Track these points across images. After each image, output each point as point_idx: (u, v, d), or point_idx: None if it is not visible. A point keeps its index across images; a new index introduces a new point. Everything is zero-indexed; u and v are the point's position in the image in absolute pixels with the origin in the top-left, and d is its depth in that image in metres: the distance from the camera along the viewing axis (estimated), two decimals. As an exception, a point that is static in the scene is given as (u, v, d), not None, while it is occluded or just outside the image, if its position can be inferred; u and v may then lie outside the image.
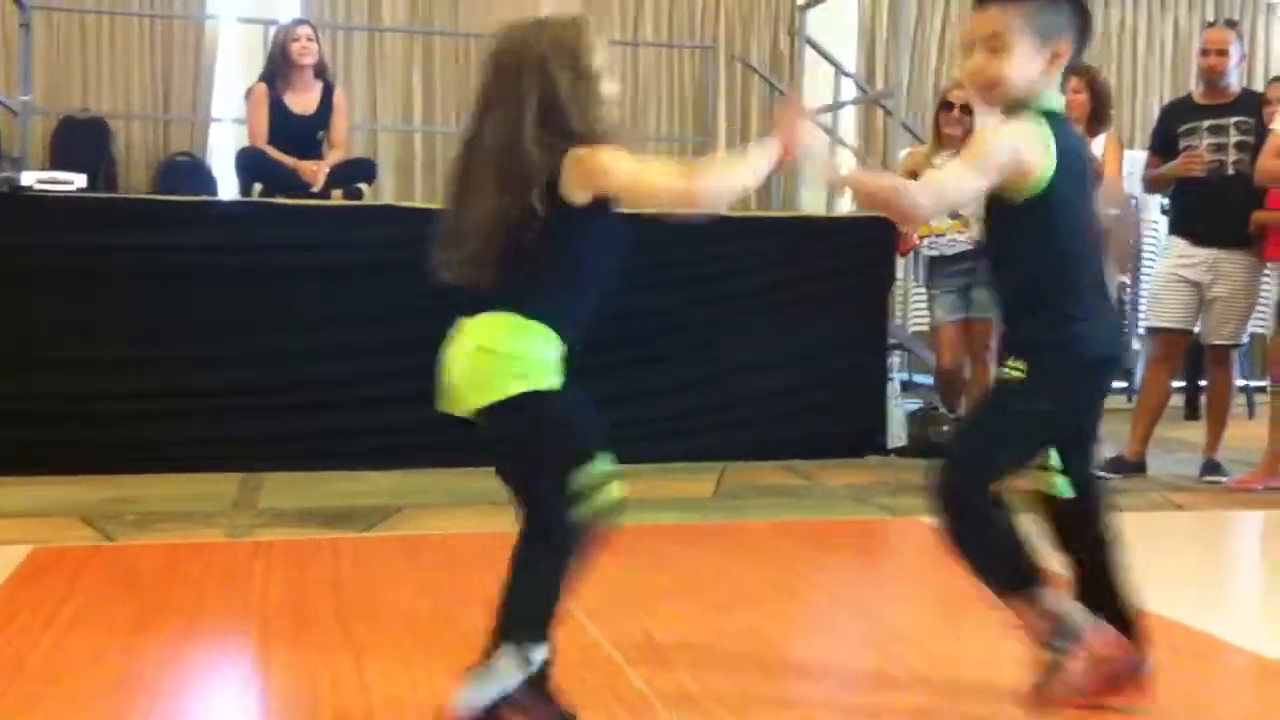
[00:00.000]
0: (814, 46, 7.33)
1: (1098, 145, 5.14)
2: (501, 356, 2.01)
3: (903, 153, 6.13)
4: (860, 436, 5.58)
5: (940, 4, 9.43)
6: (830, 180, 2.20)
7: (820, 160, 2.19)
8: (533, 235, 1.97)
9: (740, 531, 4.01)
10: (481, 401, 2.02)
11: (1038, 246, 2.22)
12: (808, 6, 7.28)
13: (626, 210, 2.05)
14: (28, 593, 3.01)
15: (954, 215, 5.67)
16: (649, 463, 4.90)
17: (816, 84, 7.60)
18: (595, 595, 2.86)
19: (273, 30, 6.50)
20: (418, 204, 6.56)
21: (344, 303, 4.95)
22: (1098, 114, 5.21)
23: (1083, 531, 2.33)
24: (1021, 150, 2.15)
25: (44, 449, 4.66)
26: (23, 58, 6.66)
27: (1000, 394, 2.30)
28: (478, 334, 2.03)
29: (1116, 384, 8.62)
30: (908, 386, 6.77)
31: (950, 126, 5.76)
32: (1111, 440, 5.53)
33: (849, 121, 9.01)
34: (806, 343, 5.45)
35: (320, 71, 6.04)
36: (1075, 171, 2.22)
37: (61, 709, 2.22)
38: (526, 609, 2.02)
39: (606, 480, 2.06)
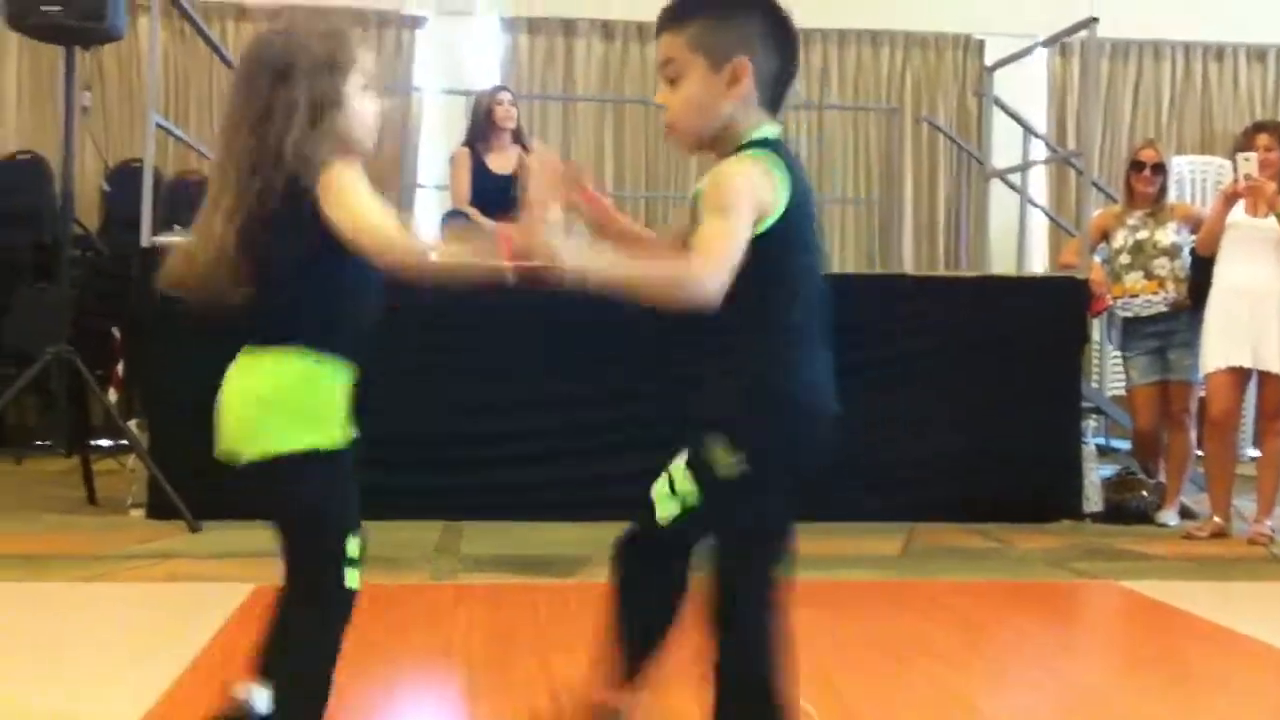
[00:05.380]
0: (1001, 107, 7.30)
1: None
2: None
3: (1095, 213, 6.06)
4: (1053, 500, 5.49)
5: (1134, 61, 9.29)
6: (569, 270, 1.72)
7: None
8: None
9: (927, 589, 4.01)
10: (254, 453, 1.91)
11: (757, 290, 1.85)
12: (995, 68, 7.26)
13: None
14: (254, 623, 3.21)
15: (1149, 276, 5.58)
16: (837, 520, 4.93)
17: (1005, 144, 7.56)
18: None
19: (470, 101, 6.82)
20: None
21: (530, 359, 5.14)
22: (1291, 171, 5.09)
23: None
24: (762, 189, 1.83)
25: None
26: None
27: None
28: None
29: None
30: (1105, 450, 6.63)
31: (1143, 186, 5.69)
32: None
33: (1039, 181, 8.91)
34: (997, 404, 5.40)
35: (518, 136, 6.34)
36: (807, 214, 1.91)
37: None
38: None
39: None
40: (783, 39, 1.92)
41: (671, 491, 1.95)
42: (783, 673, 1.88)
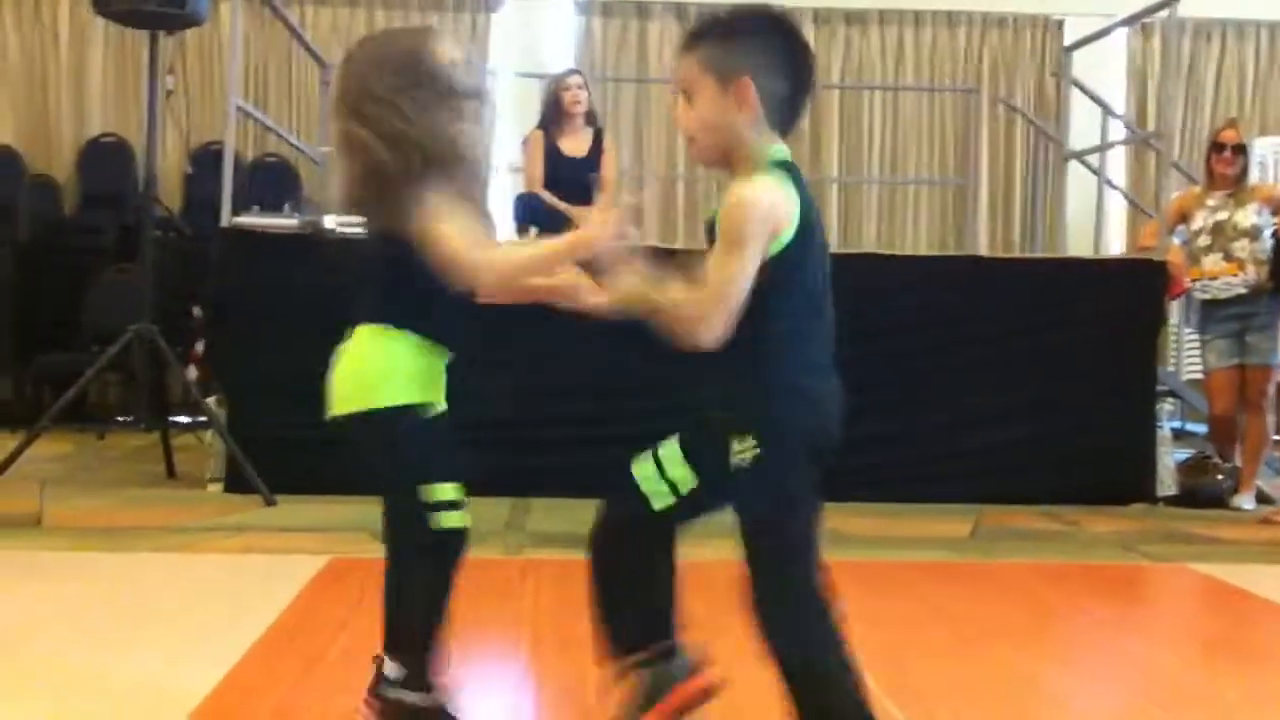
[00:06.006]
0: (1080, 87, 7.20)
1: None
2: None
3: (1174, 194, 5.97)
4: (1127, 484, 5.42)
5: (1216, 42, 9.12)
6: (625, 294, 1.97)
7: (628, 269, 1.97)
8: None
9: (996, 571, 3.99)
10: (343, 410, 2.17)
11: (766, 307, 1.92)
12: (1073, 48, 7.16)
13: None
14: (327, 595, 3.29)
15: (1228, 258, 5.49)
16: (907, 502, 4.93)
17: (1083, 125, 7.46)
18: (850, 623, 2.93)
19: (545, 84, 6.84)
20: (680, 247, 6.75)
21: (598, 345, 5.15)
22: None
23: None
24: (778, 211, 1.91)
25: (341, 472, 5.02)
26: (323, 112, 7.22)
27: None
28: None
29: None
30: (1180, 434, 6.54)
31: (1223, 167, 5.60)
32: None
33: (1118, 163, 8.78)
34: (1072, 387, 5.35)
35: (591, 119, 6.35)
36: (816, 230, 1.97)
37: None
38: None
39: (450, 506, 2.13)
40: (793, 63, 1.99)
41: (661, 477, 2.08)
42: (834, 649, 1.93)
